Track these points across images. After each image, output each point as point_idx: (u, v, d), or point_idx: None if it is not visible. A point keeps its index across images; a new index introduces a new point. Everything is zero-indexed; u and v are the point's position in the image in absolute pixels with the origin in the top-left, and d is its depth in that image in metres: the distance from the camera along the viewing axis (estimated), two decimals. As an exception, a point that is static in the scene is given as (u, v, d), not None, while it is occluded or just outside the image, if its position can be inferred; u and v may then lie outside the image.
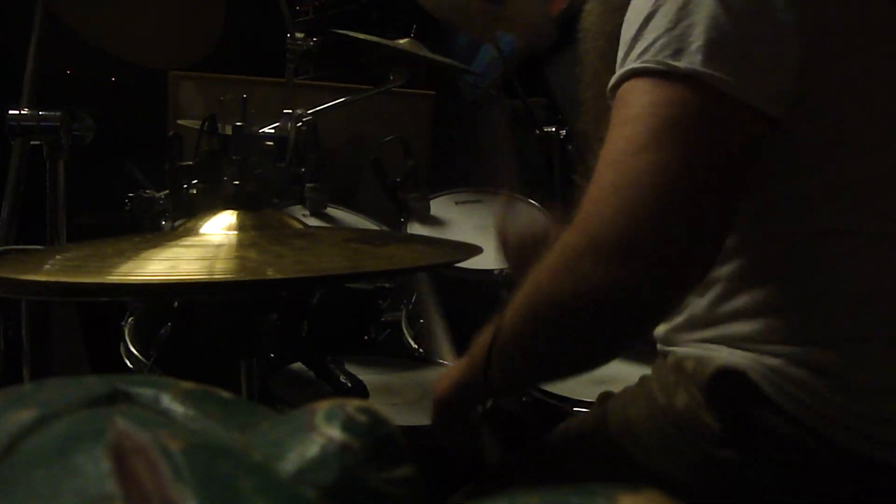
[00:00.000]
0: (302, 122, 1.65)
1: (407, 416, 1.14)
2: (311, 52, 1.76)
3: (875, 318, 0.78)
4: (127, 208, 1.58)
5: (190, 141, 1.53)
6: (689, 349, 0.85)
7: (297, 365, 1.29)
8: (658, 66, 0.71)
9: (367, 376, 1.21)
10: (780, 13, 0.71)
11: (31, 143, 1.26)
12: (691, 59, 0.70)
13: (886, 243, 0.79)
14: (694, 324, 0.85)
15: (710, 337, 0.83)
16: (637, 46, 0.74)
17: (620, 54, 0.77)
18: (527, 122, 1.96)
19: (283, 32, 1.76)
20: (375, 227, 1.68)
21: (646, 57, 0.73)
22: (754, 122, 0.72)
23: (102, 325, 1.55)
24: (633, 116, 0.72)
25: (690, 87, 0.70)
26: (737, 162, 0.72)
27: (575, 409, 1.18)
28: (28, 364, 1.28)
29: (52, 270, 0.78)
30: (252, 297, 0.91)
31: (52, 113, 1.24)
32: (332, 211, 1.67)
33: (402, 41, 1.89)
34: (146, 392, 0.37)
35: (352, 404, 0.35)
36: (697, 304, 0.84)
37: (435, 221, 1.70)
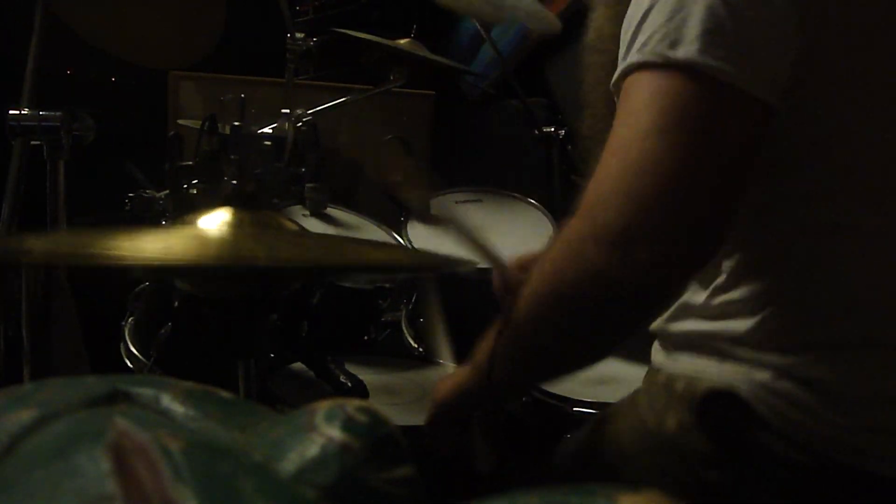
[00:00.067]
0: (302, 122, 1.65)
1: (407, 416, 1.14)
2: (311, 52, 1.76)
3: (869, 321, 0.78)
4: (127, 208, 1.58)
5: (190, 141, 1.54)
6: (680, 366, 0.85)
7: (297, 365, 1.29)
8: (656, 58, 0.73)
9: (367, 376, 1.21)
10: (777, 1, 0.72)
11: (32, 143, 1.26)
12: (688, 49, 0.71)
13: (885, 242, 0.79)
14: (691, 315, 0.85)
15: (705, 333, 0.83)
16: (637, 41, 0.75)
17: (622, 51, 0.78)
18: (527, 122, 1.96)
19: (283, 32, 1.76)
20: (375, 227, 1.68)
21: (645, 50, 0.74)
22: (752, 109, 0.73)
23: (102, 325, 1.55)
24: (635, 107, 0.74)
25: (689, 77, 0.71)
26: (737, 148, 0.73)
27: (575, 409, 1.18)
28: (28, 364, 1.28)
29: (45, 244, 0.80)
30: (240, 276, 0.90)
31: (53, 113, 1.24)
32: (332, 211, 1.67)
33: (402, 41, 1.89)
34: (146, 392, 0.38)
35: (352, 404, 0.35)
36: (696, 297, 0.84)
37: (435, 221, 1.70)
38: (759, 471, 0.78)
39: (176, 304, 1.29)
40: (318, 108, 1.79)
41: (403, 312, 1.58)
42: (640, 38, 0.75)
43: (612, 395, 1.12)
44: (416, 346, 1.51)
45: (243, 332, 0.94)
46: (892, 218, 0.79)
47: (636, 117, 0.73)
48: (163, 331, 1.28)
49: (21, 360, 1.29)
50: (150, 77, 2.27)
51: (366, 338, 1.55)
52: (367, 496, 0.33)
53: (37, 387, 0.38)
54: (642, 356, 0.94)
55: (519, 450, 1.17)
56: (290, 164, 1.62)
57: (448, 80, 2.59)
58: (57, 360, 1.34)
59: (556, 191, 1.92)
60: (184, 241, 0.81)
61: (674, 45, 0.72)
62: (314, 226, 1.59)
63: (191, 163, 1.49)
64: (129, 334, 1.39)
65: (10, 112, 1.24)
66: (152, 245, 0.78)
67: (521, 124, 2.17)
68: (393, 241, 1.60)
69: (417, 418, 1.03)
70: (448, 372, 1.22)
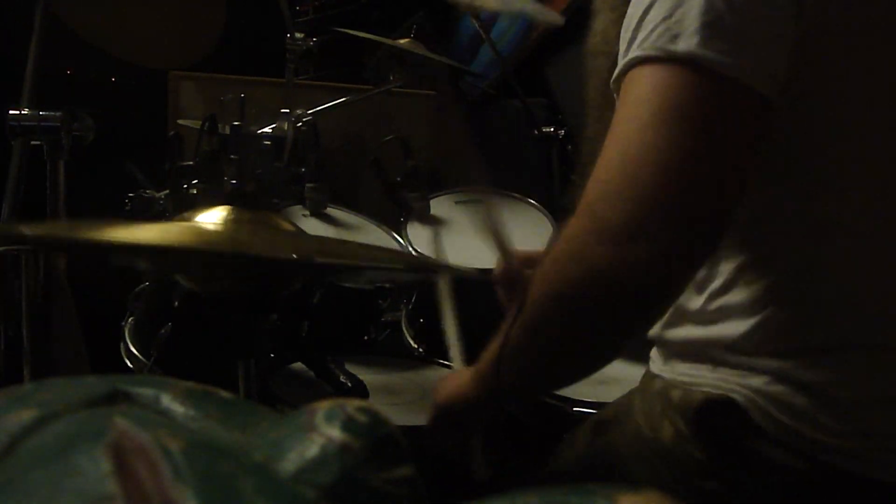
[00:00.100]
0: (302, 122, 1.65)
1: (407, 416, 1.14)
2: (311, 52, 1.76)
3: (864, 323, 0.78)
4: (127, 208, 1.58)
5: (190, 141, 1.54)
6: (676, 374, 0.85)
7: (297, 365, 1.29)
8: (657, 52, 0.73)
9: (367, 376, 1.21)
10: None
11: (32, 143, 1.26)
12: (688, 43, 0.72)
13: (880, 243, 0.79)
14: (687, 321, 0.85)
15: (700, 340, 0.83)
16: (637, 37, 0.76)
17: (622, 50, 0.78)
18: (527, 122, 1.96)
19: (283, 32, 1.76)
20: (375, 227, 1.68)
21: (645, 45, 0.74)
22: (752, 102, 0.73)
23: (102, 325, 1.55)
24: (635, 101, 0.74)
25: (689, 69, 0.72)
26: (738, 140, 0.73)
27: (575, 409, 1.18)
28: (28, 364, 1.28)
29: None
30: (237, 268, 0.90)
31: (53, 113, 1.24)
32: (332, 211, 1.67)
33: (402, 41, 1.89)
34: (146, 392, 0.37)
35: (352, 404, 0.35)
36: (693, 303, 0.84)
37: (435, 221, 1.70)
38: (757, 479, 0.78)
39: (176, 304, 1.29)
40: (318, 108, 1.79)
41: (403, 312, 1.58)
42: (641, 35, 0.75)
43: (612, 395, 1.12)
44: (416, 346, 1.51)
45: (243, 332, 0.94)
46: (887, 220, 0.79)
47: (637, 110, 0.73)
48: (163, 331, 1.28)
49: (21, 360, 1.29)
50: (150, 77, 2.27)
51: (366, 338, 1.55)
52: (367, 496, 0.33)
53: (37, 387, 0.38)
54: (642, 356, 0.94)
55: (519, 450, 1.17)
56: (290, 164, 1.62)
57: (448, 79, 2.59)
58: (57, 360, 1.34)
59: (556, 191, 1.92)
60: (180, 230, 0.82)
61: (674, 38, 0.72)
62: (314, 226, 1.59)
63: (191, 163, 1.49)
64: (129, 334, 1.38)
65: (10, 112, 1.24)
66: (148, 233, 0.78)
67: (521, 124, 2.18)
68: (393, 242, 1.59)
69: (417, 418, 1.03)
70: (448, 372, 1.22)
